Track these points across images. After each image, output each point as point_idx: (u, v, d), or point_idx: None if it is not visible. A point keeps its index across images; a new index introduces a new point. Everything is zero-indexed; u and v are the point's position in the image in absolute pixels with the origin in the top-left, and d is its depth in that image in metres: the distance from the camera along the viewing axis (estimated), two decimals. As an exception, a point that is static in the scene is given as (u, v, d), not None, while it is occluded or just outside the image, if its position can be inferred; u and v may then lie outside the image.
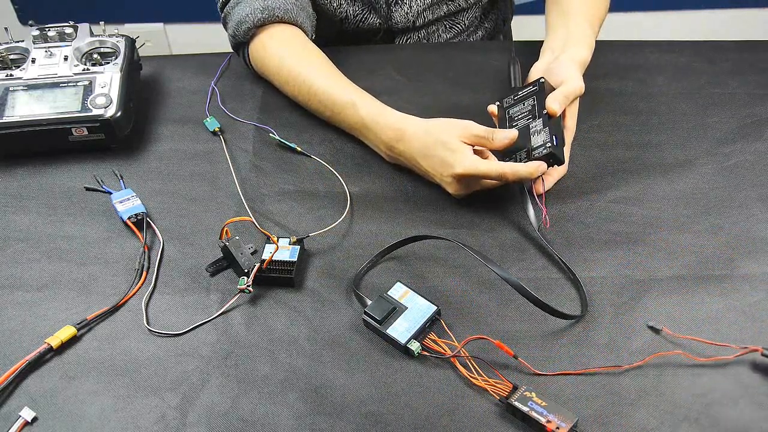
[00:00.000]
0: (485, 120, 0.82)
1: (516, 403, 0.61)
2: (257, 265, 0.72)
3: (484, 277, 0.73)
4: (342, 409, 0.63)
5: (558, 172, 0.81)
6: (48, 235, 0.80)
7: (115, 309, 0.72)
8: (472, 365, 0.65)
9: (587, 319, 0.69)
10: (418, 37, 1.12)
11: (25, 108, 0.86)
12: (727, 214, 0.79)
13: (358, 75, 0.93)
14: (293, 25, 0.96)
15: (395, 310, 0.69)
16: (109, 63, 0.92)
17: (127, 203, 0.81)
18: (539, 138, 0.77)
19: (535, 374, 0.65)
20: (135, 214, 0.80)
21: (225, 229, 0.73)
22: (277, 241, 0.75)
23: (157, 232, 0.80)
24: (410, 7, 1.06)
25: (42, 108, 0.86)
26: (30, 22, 0.97)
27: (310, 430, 0.62)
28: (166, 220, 0.81)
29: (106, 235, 0.80)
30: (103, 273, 0.76)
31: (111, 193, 0.83)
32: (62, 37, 0.94)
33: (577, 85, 0.81)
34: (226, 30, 0.99)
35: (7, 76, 0.90)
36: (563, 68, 0.83)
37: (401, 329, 0.67)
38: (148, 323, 0.71)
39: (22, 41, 0.94)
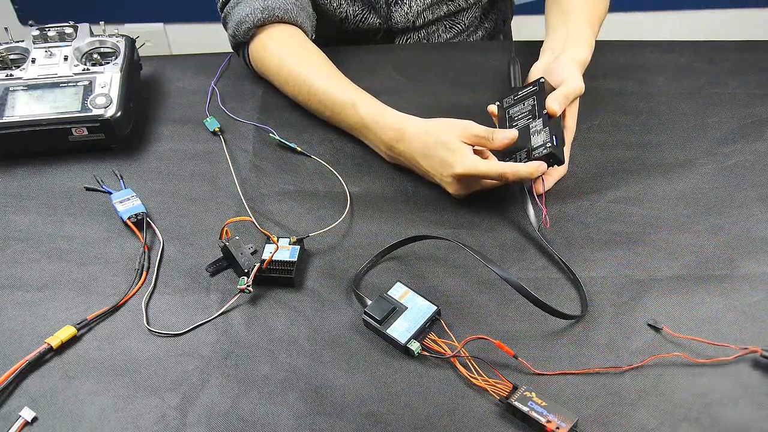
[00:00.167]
0: (485, 120, 0.82)
1: (516, 403, 0.61)
2: (257, 265, 0.72)
3: (484, 277, 0.74)
4: (342, 409, 0.63)
5: (558, 172, 0.81)
6: (48, 235, 0.80)
7: (115, 309, 0.72)
8: (472, 365, 0.65)
9: (587, 319, 0.69)
10: (418, 37, 1.12)
11: (25, 108, 0.86)
12: (727, 214, 0.79)
13: (358, 75, 0.93)
14: (293, 25, 0.96)
15: (395, 310, 0.69)
16: (109, 63, 0.92)
17: (127, 203, 0.81)
18: (539, 138, 0.77)
19: (535, 374, 0.65)
20: (135, 214, 0.80)
21: (225, 229, 0.73)
22: (277, 241, 0.75)
23: (157, 232, 0.80)
24: (410, 7, 1.06)
25: (42, 108, 0.86)
26: (30, 22, 0.97)
27: (310, 430, 0.62)
28: (166, 220, 0.81)
29: (106, 235, 0.80)
30: (103, 273, 0.76)
31: (111, 193, 0.83)
32: (62, 37, 0.94)
33: (577, 85, 0.81)
34: (226, 30, 0.99)
35: (7, 76, 0.90)
36: (563, 68, 0.83)
37: (401, 329, 0.67)
38: (148, 323, 0.71)
39: (22, 41, 0.94)
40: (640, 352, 0.66)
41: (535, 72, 0.88)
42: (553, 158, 0.77)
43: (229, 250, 0.74)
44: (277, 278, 0.73)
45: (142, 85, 1.00)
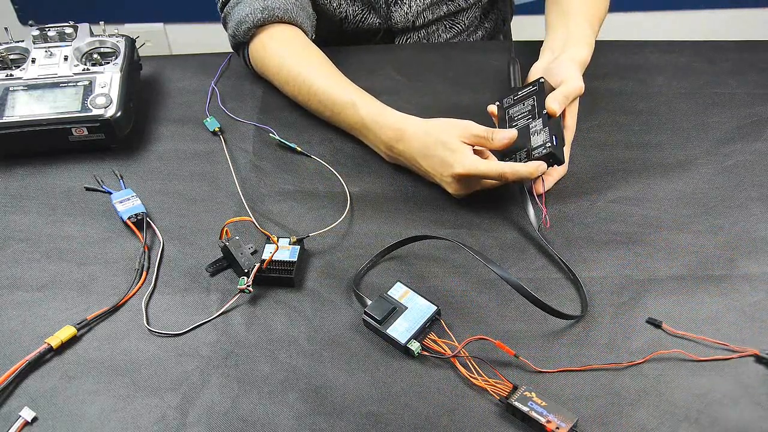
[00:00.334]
0: (485, 120, 0.82)
1: (516, 403, 0.61)
2: (257, 265, 0.72)
3: (484, 277, 0.74)
4: (342, 409, 0.63)
5: (558, 172, 0.81)
6: (48, 235, 0.80)
7: (115, 309, 0.72)
8: (472, 365, 0.65)
9: (587, 319, 0.69)
10: (418, 37, 1.12)
11: (25, 108, 0.86)
12: (727, 214, 0.79)
13: (358, 75, 0.93)
14: (293, 25, 0.96)
15: (395, 310, 0.69)
16: (109, 63, 0.92)
17: (127, 203, 0.81)
18: (539, 138, 0.77)
19: (536, 372, 0.65)
20: (135, 214, 0.80)
21: (225, 229, 0.73)
22: (277, 241, 0.75)
23: (157, 232, 0.80)
24: (410, 7, 1.06)
25: (42, 108, 0.86)
26: (30, 22, 0.97)
27: (310, 430, 0.62)
28: (166, 220, 0.81)
29: (106, 235, 0.80)
30: (103, 273, 0.76)
31: (111, 193, 0.83)
32: (62, 37, 0.94)
33: (577, 85, 0.81)
34: (226, 30, 0.99)
35: (7, 76, 0.90)
36: (563, 68, 0.83)
37: (401, 329, 0.67)
38: (148, 323, 0.71)
39: (22, 41, 0.94)
40: (640, 352, 0.66)
41: (535, 72, 0.88)
42: (552, 158, 0.77)
43: (229, 250, 0.74)
44: (277, 278, 0.73)
45: (142, 85, 1.00)
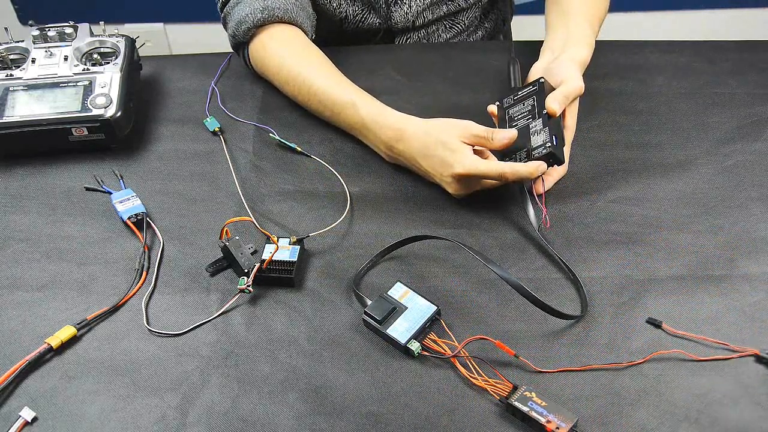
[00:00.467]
0: (485, 120, 0.82)
1: (516, 403, 0.61)
2: (257, 265, 0.72)
3: (484, 277, 0.74)
4: (342, 409, 0.63)
5: (558, 172, 0.81)
6: (48, 235, 0.80)
7: (115, 309, 0.72)
8: (472, 365, 0.65)
9: (587, 319, 0.69)
10: (418, 37, 1.12)
11: (25, 108, 0.86)
12: (727, 214, 0.79)
13: (358, 75, 0.93)
14: (293, 25, 0.96)
15: (395, 310, 0.69)
16: (109, 63, 0.92)
17: (127, 203, 0.81)
18: (539, 138, 0.77)
19: (536, 372, 0.65)
20: (135, 214, 0.80)
21: (225, 229, 0.73)
22: (277, 241, 0.75)
23: (157, 232, 0.80)
24: (410, 7, 1.06)
25: (42, 108, 0.86)
26: (30, 22, 0.97)
27: (310, 430, 0.62)
28: (166, 220, 0.81)
29: (106, 235, 0.80)
30: (103, 273, 0.76)
31: (111, 193, 0.83)
32: (62, 37, 0.94)
33: (577, 85, 0.81)
34: (226, 30, 0.99)
35: (7, 76, 0.90)
36: (563, 68, 0.83)
37: (401, 329, 0.67)
38: (148, 323, 0.71)
39: (22, 41, 0.94)
40: (640, 352, 0.66)
41: (535, 72, 0.88)
42: (552, 158, 0.77)
43: (229, 250, 0.74)
44: (277, 278, 0.73)
45: (142, 85, 1.00)
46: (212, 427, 0.62)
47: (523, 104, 0.82)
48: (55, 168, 0.88)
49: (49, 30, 0.94)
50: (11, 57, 0.94)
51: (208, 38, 1.61)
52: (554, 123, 0.78)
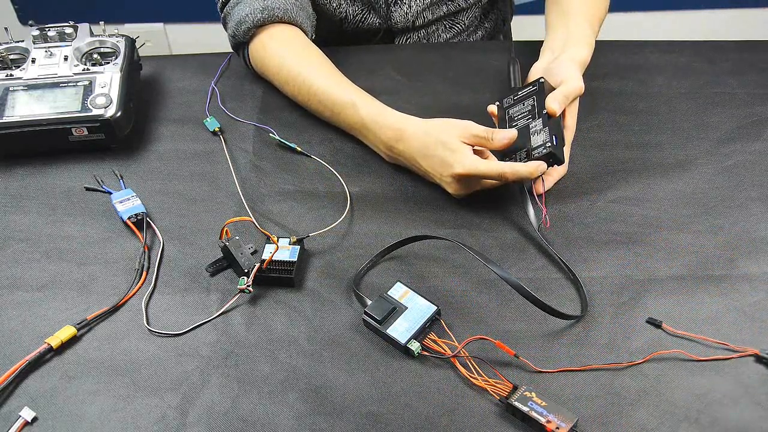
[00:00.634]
0: (485, 120, 0.82)
1: (516, 403, 0.61)
2: (257, 265, 0.72)
3: (484, 277, 0.74)
4: (342, 409, 0.63)
5: (558, 172, 0.81)
6: (48, 235, 0.80)
7: (115, 309, 0.72)
8: (472, 365, 0.65)
9: (587, 319, 0.69)
10: (418, 37, 1.12)
11: (25, 108, 0.86)
12: (727, 214, 0.79)
13: (358, 75, 0.93)
14: (293, 25, 0.96)
15: (395, 310, 0.69)
16: (109, 63, 0.92)
17: (127, 203, 0.81)
18: (539, 138, 0.77)
19: (536, 372, 0.65)
20: (135, 214, 0.80)
21: (225, 229, 0.73)
22: (277, 241, 0.75)
23: (157, 232, 0.80)
24: (410, 7, 1.06)
25: (42, 108, 0.86)
26: (30, 22, 0.97)
27: (310, 430, 0.62)
28: (166, 220, 0.81)
29: (106, 235, 0.80)
30: (103, 273, 0.76)
31: (111, 193, 0.83)
32: (62, 37, 0.94)
33: (577, 85, 0.81)
34: (226, 30, 0.99)
35: (7, 76, 0.90)
36: (563, 68, 0.83)
37: (401, 329, 0.67)
38: (148, 323, 0.71)
39: (22, 41, 0.94)
40: (640, 352, 0.66)
41: (535, 72, 0.88)
42: (552, 158, 0.77)
43: (229, 250, 0.74)
44: (277, 278, 0.73)
45: (142, 85, 1.00)
46: (212, 427, 0.62)
47: (523, 104, 0.82)
48: (55, 168, 0.88)
49: (49, 30, 0.94)
50: (11, 57, 0.94)
51: (208, 38, 1.61)
52: (554, 123, 0.78)
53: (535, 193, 0.79)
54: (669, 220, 0.79)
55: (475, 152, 0.78)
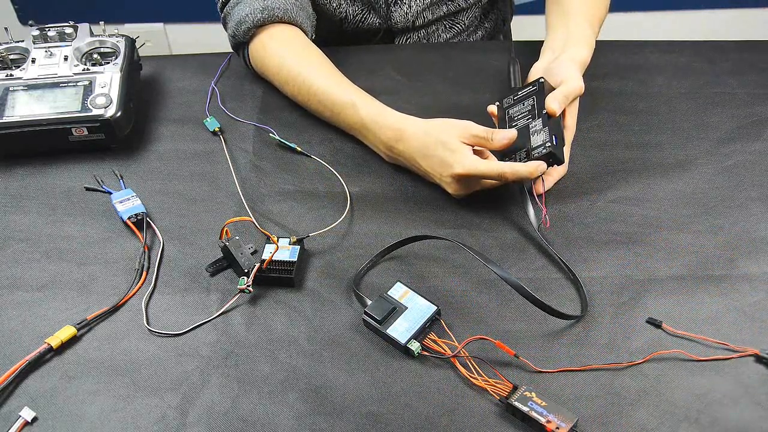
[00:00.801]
0: (485, 120, 0.82)
1: (516, 403, 0.61)
2: (257, 265, 0.72)
3: (484, 277, 0.74)
4: (342, 409, 0.63)
5: (558, 172, 0.81)
6: (48, 235, 0.80)
7: (115, 309, 0.72)
8: (472, 365, 0.65)
9: (587, 319, 0.69)
10: (418, 37, 1.12)
11: (25, 108, 0.86)
12: (727, 214, 0.79)
13: (358, 75, 0.93)
14: (293, 25, 0.96)
15: (395, 310, 0.69)
16: (109, 63, 0.92)
17: (127, 203, 0.81)
18: (539, 138, 0.77)
19: (536, 372, 0.65)
20: (135, 214, 0.80)
21: (225, 229, 0.73)
22: (277, 241, 0.75)
23: (157, 232, 0.80)
24: (410, 7, 1.06)
25: (42, 108, 0.86)
26: (30, 22, 0.97)
27: (310, 430, 0.62)
28: (166, 220, 0.81)
29: (106, 235, 0.80)
30: (103, 273, 0.76)
31: (111, 193, 0.83)
32: (62, 37, 0.94)
33: (577, 85, 0.81)
34: (226, 30, 0.99)
35: (7, 76, 0.90)
36: (563, 68, 0.83)
37: (401, 329, 0.67)
38: (148, 323, 0.71)
39: (22, 41, 0.94)
40: (640, 352, 0.66)
41: (535, 72, 0.88)
42: (552, 158, 0.77)
43: (229, 250, 0.74)
44: (277, 278, 0.73)
45: (142, 85, 1.00)
46: (212, 427, 0.62)
47: (523, 104, 0.82)
48: (55, 168, 0.88)
49: (49, 30, 0.94)
50: (11, 57, 0.94)
51: (208, 38, 1.61)
52: (554, 123, 0.78)
53: (535, 193, 0.79)
54: (669, 220, 0.79)
55: (475, 152, 0.78)
